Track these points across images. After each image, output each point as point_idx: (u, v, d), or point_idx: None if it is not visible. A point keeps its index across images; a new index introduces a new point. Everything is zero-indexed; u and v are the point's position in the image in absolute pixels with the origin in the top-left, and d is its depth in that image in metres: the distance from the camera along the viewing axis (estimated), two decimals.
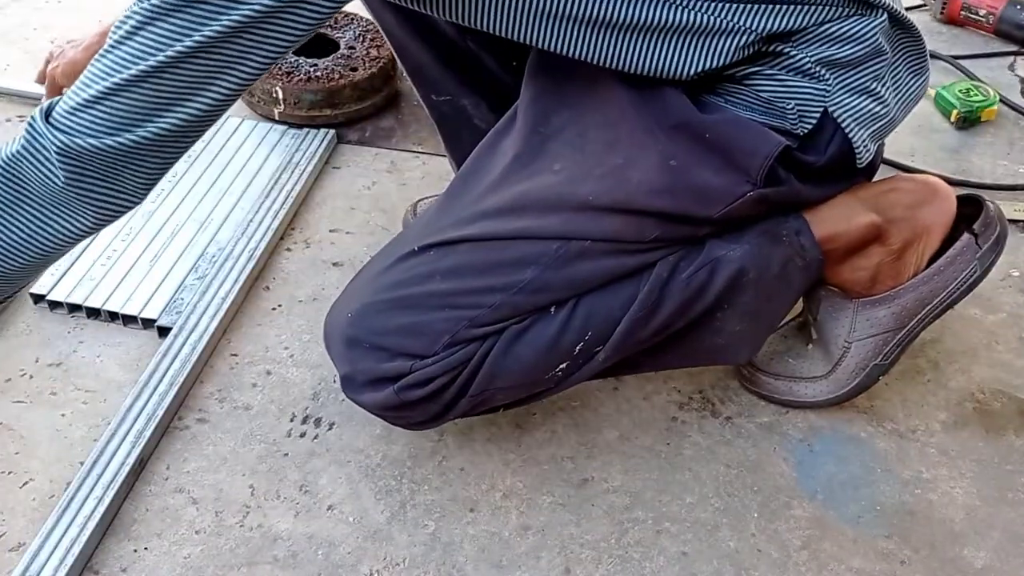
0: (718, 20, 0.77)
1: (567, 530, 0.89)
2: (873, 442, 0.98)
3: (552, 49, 0.80)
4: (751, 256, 0.87)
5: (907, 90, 0.89)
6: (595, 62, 0.80)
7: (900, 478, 0.95)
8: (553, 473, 0.94)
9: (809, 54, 0.80)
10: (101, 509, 0.86)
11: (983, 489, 0.94)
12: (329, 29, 1.47)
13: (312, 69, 1.38)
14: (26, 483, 0.91)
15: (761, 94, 0.82)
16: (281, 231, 1.20)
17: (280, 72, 1.36)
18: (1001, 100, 1.45)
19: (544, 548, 0.88)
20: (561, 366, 0.86)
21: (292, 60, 1.39)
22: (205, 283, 1.09)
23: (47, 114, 0.72)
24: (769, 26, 0.78)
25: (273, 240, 1.18)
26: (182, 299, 1.08)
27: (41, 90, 1.42)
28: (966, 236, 0.93)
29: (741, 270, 0.87)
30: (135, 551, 0.86)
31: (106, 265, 1.12)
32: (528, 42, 0.80)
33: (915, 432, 0.99)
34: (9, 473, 0.92)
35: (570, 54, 0.80)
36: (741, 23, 0.77)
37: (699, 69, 0.79)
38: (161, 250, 1.15)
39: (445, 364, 0.82)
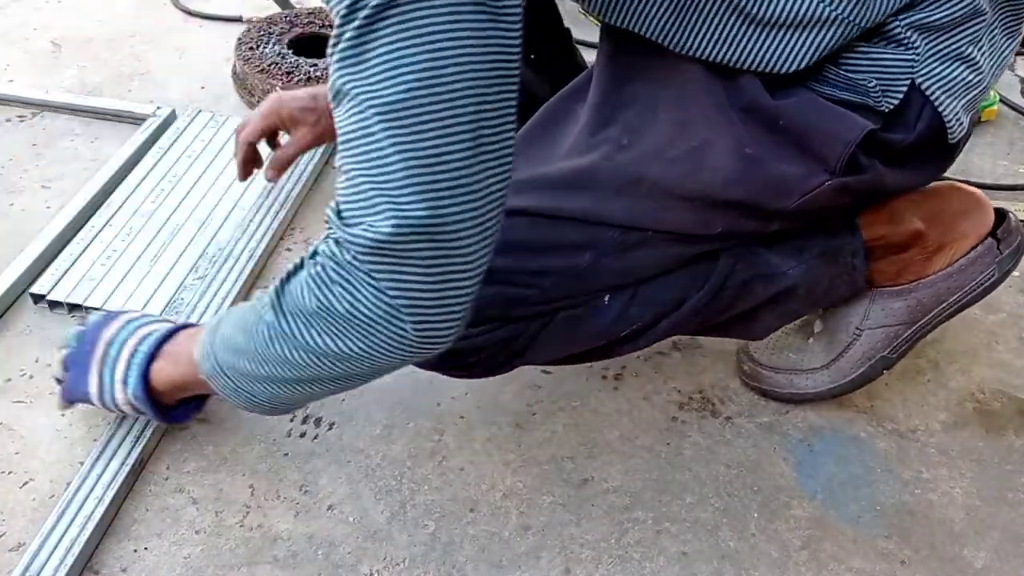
0: (827, 10, 0.72)
1: (567, 530, 0.89)
2: (873, 442, 0.98)
3: (651, 37, 0.75)
4: (806, 275, 0.87)
5: (1000, 53, 0.82)
6: (691, 53, 0.75)
7: (900, 478, 0.95)
8: (553, 473, 0.94)
9: (901, 19, 0.74)
10: (101, 509, 0.86)
11: (983, 489, 0.94)
12: (329, 29, 1.47)
13: (312, 69, 1.38)
14: (26, 483, 0.91)
15: (841, 70, 0.76)
16: (281, 231, 1.20)
17: (280, 72, 1.37)
18: (1001, 100, 1.45)
19: (544, 548, 0.88)
20: (601, 344, 0.85)
21: (292, 60, 1.39)
22: (205, 283, 1.09)
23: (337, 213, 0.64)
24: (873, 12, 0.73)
25: (273, 240, 1.18)
26: (182, 299, 1.08)
27: (39, 94, 1.42)
28: (988, 240, 0.94)
29: (794, 287, 0.87)
30: (135, 551, 0.86)
31: (106, 265, 1.12)
32: (624, 25, 0.76)
33: (915, 432, 0.99)
34: (9, 473, 0.92)
35: (668, 43, 0.75)
36: (846, 14, 0.72)
37: (804, 62, 0.74)
38: (161, 250, 1.15)
39: (489, 338, 0.80)
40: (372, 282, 0.63)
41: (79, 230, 1.17)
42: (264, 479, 0.92)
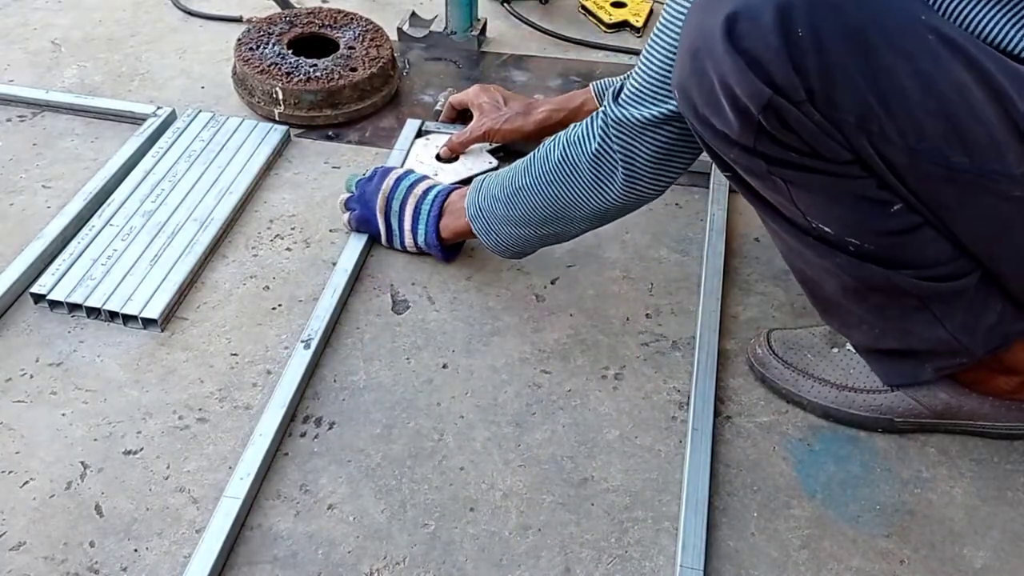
0: None
1: (567, 530, 0.89)
2: (873, 441, 0.98)
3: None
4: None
5: None
6: None
7: (900, 477, 0.95)
8: (553, 473, 0.94)
9: None
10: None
11: (983, 489, 0.94)
12: (329, 29, 1.47)
13: (312, 69, 1.38)
14: (26, 483, 0.91)
15: None
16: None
17: (280, 72, 1.37)
18: None
19: (544, 548, 0.88)
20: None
21: (292, 60, 1.39)
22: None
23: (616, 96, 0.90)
24: None
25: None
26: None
27: (39, 94, 1.42)
28: None
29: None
30: (135, 551, 0.86)
31: (106, 265, 1.12)
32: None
33: (914, 431, 0.99)
34: (9, 473, 0.92)
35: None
36: None
37: None
38: (161, 250, 1.15)
39: None
40: (613, 148, 0.91)
41: (79, 230, 1.17)
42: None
